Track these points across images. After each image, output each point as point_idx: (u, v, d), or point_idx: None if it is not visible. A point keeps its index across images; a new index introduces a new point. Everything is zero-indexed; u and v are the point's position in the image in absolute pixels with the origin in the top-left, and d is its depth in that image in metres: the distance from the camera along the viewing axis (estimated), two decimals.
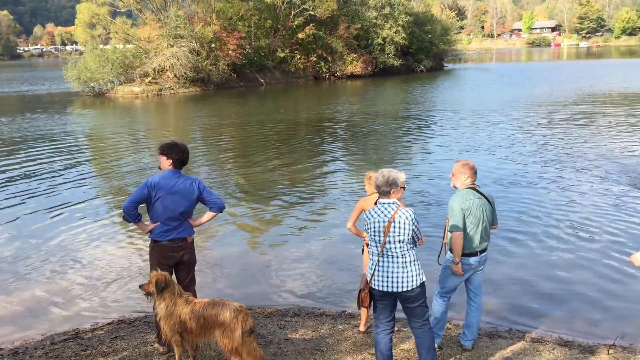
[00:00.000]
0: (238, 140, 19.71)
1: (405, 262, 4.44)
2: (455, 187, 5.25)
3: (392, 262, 4.43)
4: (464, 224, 4.98)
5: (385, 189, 4.48)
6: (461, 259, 5.06)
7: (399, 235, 4.40)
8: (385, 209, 4.46)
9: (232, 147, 18.26)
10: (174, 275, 5.22)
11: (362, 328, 5.75)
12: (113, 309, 6.71)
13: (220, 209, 5.27)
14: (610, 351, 5.25)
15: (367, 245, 4.82)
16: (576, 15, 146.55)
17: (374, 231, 4.46)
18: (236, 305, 4.67)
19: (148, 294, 4.93)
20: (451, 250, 5.09)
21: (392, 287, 4.42)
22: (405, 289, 4.42)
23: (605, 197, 10.83)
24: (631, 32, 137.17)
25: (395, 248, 4.41)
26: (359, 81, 46.66)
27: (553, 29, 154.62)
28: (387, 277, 4.43)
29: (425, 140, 18.58)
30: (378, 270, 4.46)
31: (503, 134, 18.41)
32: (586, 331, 5.90)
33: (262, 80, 44.54)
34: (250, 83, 43.79)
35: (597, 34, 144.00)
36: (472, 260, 5.10)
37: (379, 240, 4.44)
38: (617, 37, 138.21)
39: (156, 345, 5.38)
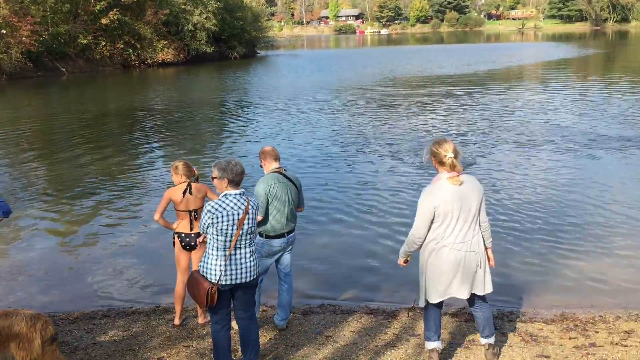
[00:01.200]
0: (40, 136, 18.06)
1: (252, 252, 4.44)
2: None
3: (243, 254, 4.36)
4: (267, 208, 5.11)
5: (237, 179, 4.37)
6: (266, 241, 5.19)
7: (251, 227, 4.39)
8: (239, 200, 4.35)
9: (33, 143, 16.69)
10: None
11: (177, 321, 5.63)
12: None
13: (5, 213, 4.78)
14: (410, 313, 5.75)
15: (204, 241, 4.67)
16: (376, 4, 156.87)
17: (227, 224, 4.25)
18: (32, 313, 4.27)
19: None
20: (260, 234, 5.20)
21: (242, 278, 4.36)
22: (251, 279, 4.42)
23: (395, 175, 11.67)
24: (425, 20, 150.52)
25: (246, 239, 4.38)
26: (172, 69, 45.32)
27: (357, 17, 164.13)
28: (239, 269, 4.34)
29: (241, 126, 18.70)
30: (230, 265, 4.31)
31: (311, 118, 19.14)
32: (389, 299, 6.41)
33: (64, 69, 41.19)
34: (50, 72, 40.26)
35: (396, 22, 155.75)
36: (279, 241, 5.24)
37: (232, 233, 4.28)
38: (413, 25, 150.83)
39: None
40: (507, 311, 5.87)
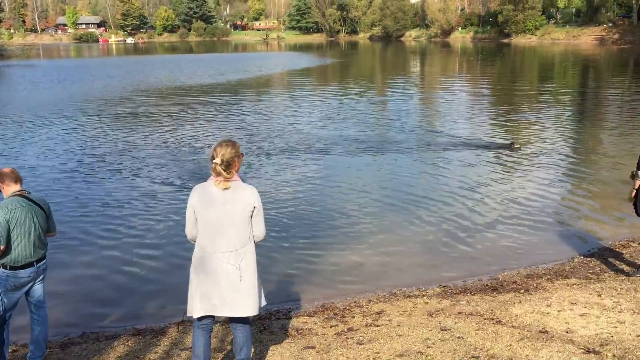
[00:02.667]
0: None
1: None
2: None
3: None
4: (9, 236, 4.61)
5: None
6: (12, 273, 4.69)
7: None
8: None
9: None
10: None
11: None
12: None
13: None
14: (180, 327, 5.68)
15: None
16: (120, 12, 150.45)
17: None
18: None
19: None
20: (4, 266, 4.67)
21: None
22: None
23: (145, 190, 11.38)
24: (172, 29, 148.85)
25: None
26: None
27: (99, 25, 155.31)
28: None
29: None
30: None
31: (52, 134, 17.66)
32: (157, 316, 6.26)
33: None
34: None
35: (142, 30, 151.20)
36: (27, 271, 4.77)
37: None
38: (160, 34, 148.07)
39: None
40: (274, 310, 6.16)
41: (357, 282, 7.25)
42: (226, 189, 4.03)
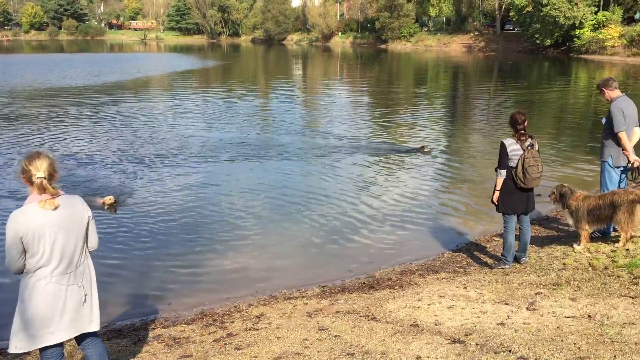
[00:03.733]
0: None
1: None
2: None
3: None
4: None
5: None
6: None
7: None
8: None
9: None
10: None
11: None
12: None
13: None
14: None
15: None
16: None
17: None
18: None
19: None
20: None
21: None
22: None
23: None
24: (40, 27, 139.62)
25: None
26: None
27: None
28: None
29: None
30: None
31: None
32: None
33: None
34: None
35: (6, 28, 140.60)
36: None
37: None
38: (27, 32, 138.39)
39: None
40: (150, 320, 5.96)
41: (238, 287, 7.21)
42: (56, 208, 3.71)
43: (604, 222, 7.11)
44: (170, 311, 6.33)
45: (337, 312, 5.84)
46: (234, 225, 9.48)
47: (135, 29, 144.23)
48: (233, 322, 5.73)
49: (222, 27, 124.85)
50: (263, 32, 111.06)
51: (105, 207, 10.01)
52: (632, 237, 7.13)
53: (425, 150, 14.82)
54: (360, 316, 5.59)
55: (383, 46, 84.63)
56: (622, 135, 7.32)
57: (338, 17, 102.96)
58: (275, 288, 7.14)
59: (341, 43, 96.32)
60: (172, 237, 8.87)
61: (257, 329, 5.45)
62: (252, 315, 5.95)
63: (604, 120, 7.69)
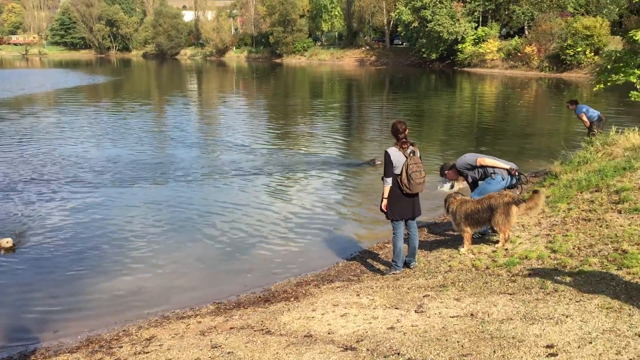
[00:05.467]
0: None
1: None
2: None
3: None
4: None
5: None
6: None
7: None
8: None
9: None
10: None
11: None
12: None
13: None
14: None
15: None
16: None
17: None
18: None
19: None
20: None
21: None
22: None
23: None
24: None
25: None
26: None
27: None
28: None
29: None
30: None
31: None
32: None
33: None
34: None
35: None
36: None
37: None
38: None
39: None
40: (30, 351, 5.57)
41: (128, 310, 6.92)
42: None
43: (482, 224, 7.56)
44: (53, 340, 5.94)
45: (232, 328, 5.74)
46: (126, 247, 9.12)
47: (15, 44, 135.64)
48: (121, 347, 5.47)
49: (110, 41, 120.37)
50: (155, 47, 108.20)
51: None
52: (509, 237, 7.60)
53: (377, 163, 14.74)
54: (255, 331, 5.53)
55: (278, 60, 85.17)
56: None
57: (232, 31, 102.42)
58: (167, 308, 6.92)
59: (236, 57, 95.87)
60: (58, 264, 8.36)
61: (147, 352, 5.24)
62: (142, 338, 5.72)
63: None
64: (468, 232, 7.64)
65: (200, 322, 6.15)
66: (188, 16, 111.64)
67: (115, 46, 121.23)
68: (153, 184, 13.24)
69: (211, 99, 37.16)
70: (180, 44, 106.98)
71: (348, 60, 77.36)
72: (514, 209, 7.31)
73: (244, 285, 7.75)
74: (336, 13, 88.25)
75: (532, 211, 7.43)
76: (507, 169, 8.08)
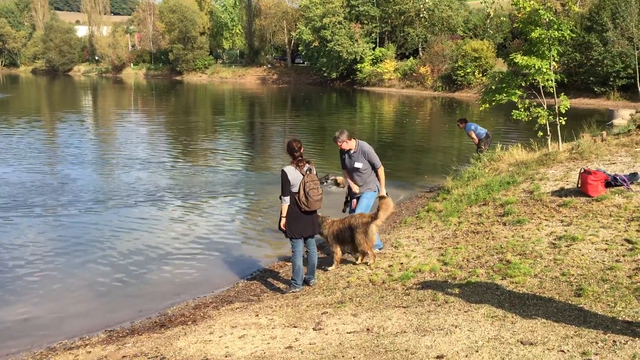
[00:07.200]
0: None
1: None
2: None
3: None
4: None
5: None
6: None
7: None
8: None
9: None
10: None
11: None
12: None
13: None
14: None
15: None
16: None
17: None
18: None
19: None
20: None
21: None
22: None
23: None
24: None
25: None
26: None
27: None
28: None
29: None
30: None
31: None
32: None
33: None
34: None
35: None
36: None
37: None
38: None
39: None
40: None
41: (10, 342, 6.42)
42: None
43: (348, 243, 7.88)
44: None
45: (124, 356, 5.48)
46: (14, 273, 8.52)
47: None
48: None
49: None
50: (45, 62, 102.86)
51: None
52: (374, 253, 7.91)
53: (330, 178, 14.52)
54: (149, 358, 5.32)
55: (178, 78, 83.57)
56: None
57: (130, 47, 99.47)
58: (54, 339, 6.50)
59: (134, 74, 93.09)
60: None
61: None
62: None
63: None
64: (338, 252, 8.00)
65: (89, 352, 5.83)
66: (82, 31, 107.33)
67: (1, 61, 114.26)
68: (45, 208, 12.47)
69: (107, 116, 35.79)
70: (74, 60, 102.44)
71: (250, 78, 77.36)
72: (373, 227, 7.64)
73: (139, 310, 7.45)
74: (237, 31, 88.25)
75: (385, 214, 7.73)
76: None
